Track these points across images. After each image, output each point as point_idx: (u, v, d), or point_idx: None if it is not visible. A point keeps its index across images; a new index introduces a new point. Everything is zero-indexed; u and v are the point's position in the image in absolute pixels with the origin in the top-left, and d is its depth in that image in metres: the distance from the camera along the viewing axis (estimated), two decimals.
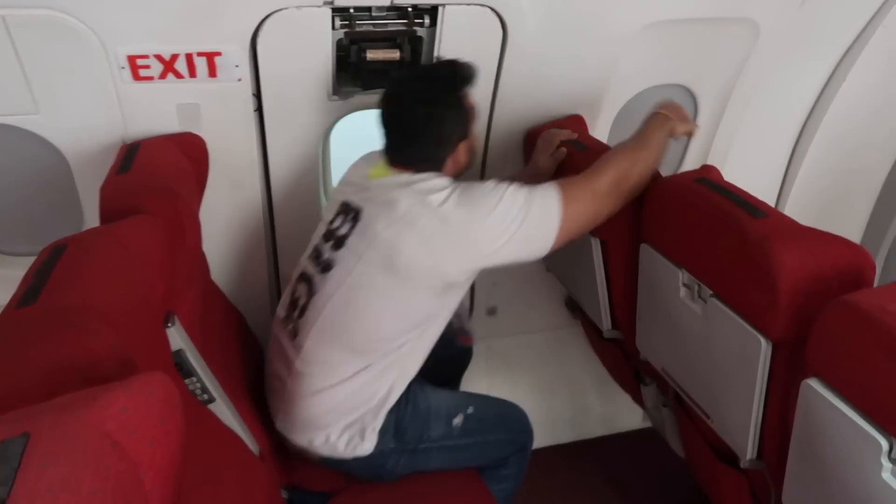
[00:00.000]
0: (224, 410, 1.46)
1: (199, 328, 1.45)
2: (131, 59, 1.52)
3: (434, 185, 1.39)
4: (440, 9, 1.60)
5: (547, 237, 1.39)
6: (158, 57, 1.53)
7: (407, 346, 1.50)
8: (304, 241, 1.60)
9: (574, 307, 2.25)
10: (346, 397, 1.50)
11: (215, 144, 1.70)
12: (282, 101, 1.66)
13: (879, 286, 1.02)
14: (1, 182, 1.69)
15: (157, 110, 1.61)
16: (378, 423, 1.53)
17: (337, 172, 2.06)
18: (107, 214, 1.31)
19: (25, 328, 0.89)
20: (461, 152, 1.47)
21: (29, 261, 1.06)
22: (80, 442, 0.65)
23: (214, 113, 1.64)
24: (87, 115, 1.58)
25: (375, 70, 1.68)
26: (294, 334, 1.53)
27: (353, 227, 1.45)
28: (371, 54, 1.64)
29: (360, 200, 1.47)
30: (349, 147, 2.06)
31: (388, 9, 1.60)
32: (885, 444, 0.95)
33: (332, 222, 1.52)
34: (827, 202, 2.39)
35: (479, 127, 1.55)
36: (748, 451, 1.33)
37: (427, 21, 1.63)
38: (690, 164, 2.20)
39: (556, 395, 2.48)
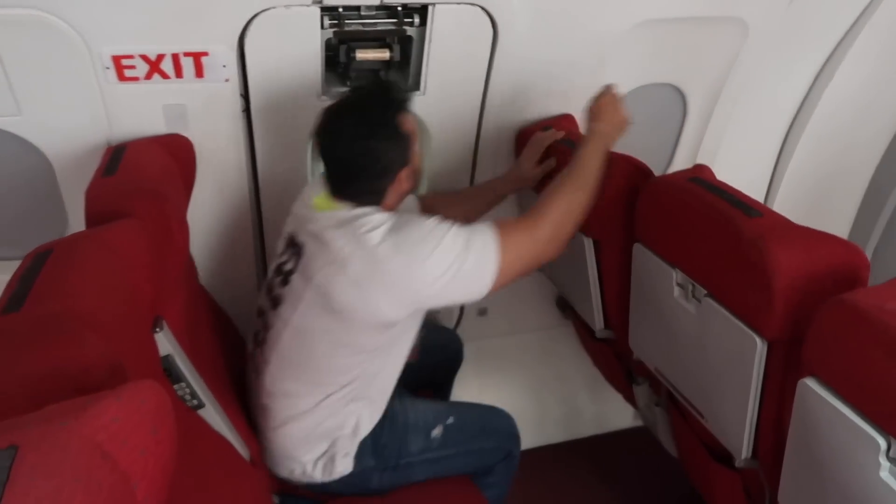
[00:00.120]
0: (214, 416, 1.44)
1: (187, 332, 1.43)
2: (116, 60, 1.49)
3: (371, 223, 1.33)
4: (430, 8, 1.58)
5: (483, 283, 1.34)
6: (144, 57, 1.50)
7: (367, 376, 1.47)
8: None
9: (565, 307, 2.25)
10: (313, 428, 1.50)
11: (203, 146, 1.67)
12: (270, 101, 1.63)
13: (876, 285, 1.02)
14: None
15: (143, 111, 1.58)
16: (352, 449, 1.53)
17: None
18: (92, 218, 1.29)
19: (10, 336, 0.86)
20: (403, 180, 1.41)
21: (12, 266, 1.04)
22: (71, 454, 0.63)
23: (201, 114, 1.62)
24: (71, 116, 1.56)
25: (366, 70, 1.66)
26: (256, 368, 1.54)
27: (296, 265, 1.43)
28: (360, 54, 1.63)
29: (303, 235, 1.43)
30: None
31: (378, 8, 1.59)
32: (882, 443, 0.95)
33: (281, 255, 1.50)
34: (814, 200, 2.41)
35: (437, 138, 1.53)
36: (743, 450, 1.33)
37: (417, 20, 1.61)
38: (679, 163, 2.21)
39: (547, 396, 2.47)
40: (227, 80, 1.58)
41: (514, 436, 1.74)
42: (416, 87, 1.73)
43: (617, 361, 1.94)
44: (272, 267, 1.53)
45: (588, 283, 1.74)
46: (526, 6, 1.63)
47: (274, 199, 1.83)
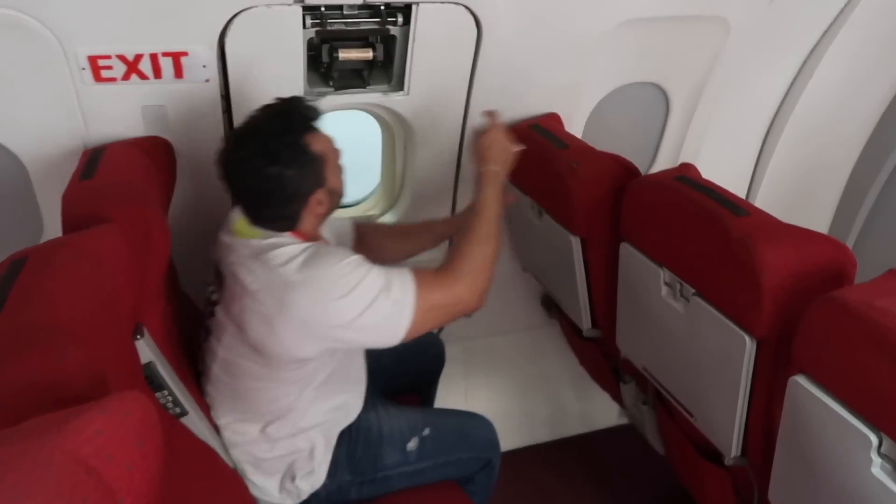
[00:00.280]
0: (197, 423, 1.41)
1: (168, 339, 1.40)
2: (92, 60, 1.45)
3: (285, 255, 1.29)
4: (414, 7, 1.57)
5: (397, 330, 1.29)
6: (121, 57, 1.47)
7: (303, 405, 1.45)
8: None
9: (550, 306, 2.25)
10: (263, 454, 1.48)
11: (183, 148, 1.64)
12: (251, 102, 1.60)
13: (865, 282, 1.02)
14: None
15: (121, 113, 1.55)
16: (314, 467, 1.51)
17: None
18: (70, 223, 1.26)
19: None
20: (317, 203, 1.36)
21: None
22: (54, 470, 0.61)
23: (181, 115, 1.58)
24: (46, 118, 1.52)
25: (348, 70, 1.64)
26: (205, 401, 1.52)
27: (220, 297, 1.40)
28: (343, 54, 1.60)
29: (223, 265, 1.40)
30: None
31: (361, 7, 1.57)
32: (874, 439, 0.96)
33: (210, 284, 1.47)
34: (795, 197, 2.44)
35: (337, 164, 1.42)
36: (733, 448, 1.33)
37: (400, 20, 1.60)
38: (662, 161, 2.22)
39: (533, 395, 2.47)
40: (207, 81, 1.55)
41: (492, 444, 1.72)
42: (400, 87, 1.71)
43: (604, 360, 1.94)
44: (205, 297, 1.49)
45: (575, 283, 1.74)
46: (510, 6, 1.63)
47: None
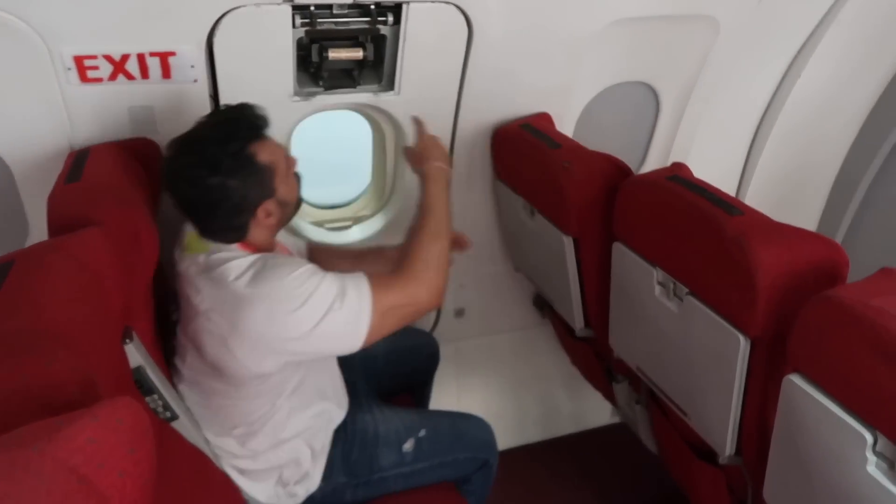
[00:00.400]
0: (188, 428, 1.40)
1: (157, 343, 1.39)
2: (78, 60, 1.43)
3: (235, 270, 1.26)
4: (404, 6, 1.56)
5: (356, 337, 1.27)
6: (108, 57, 1.45)
7: (279, 416, 1.43)
8: None
9: (542, 306, 2.25)
10: (248, 466, 1.47)
11: None
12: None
13: (858, 281, 1.02)
14: None
15: (108, 114, 1.53)
16: (302, 475, 1.50)
17: None
18: (56, 227, 1.24)
19: None
20: (265, 214, 1.32)
21: None
22: (45, 479, 0.60)
23: (169, 116, 1.56)
24: (31, 120, 1.49)
25: (338, 70, 1.63)
26: None
27: (178, 317, 1.38)
28: (333, 54, 1.59)
29: (179, 286, 1.37)
30: (312, 149, 2.02)
31: (350, 6, 1.56)
32: (869, 437, 0.96)
33: (171, 304, 1.44)
34: (783, 195, 2.45)
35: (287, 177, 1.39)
36: (727, 447, 1.33)
37: (391, 19, 1.59)
38: (653, 160, 2.22)
39: (525, 395, 2.47)
40: (195, 81, 1.53)
41: (489, 444, 1.71)
42: (391, 86, 1.70)
43: (597, 360, 1.94)
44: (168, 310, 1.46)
45: (568, 282, 1.74)
46: (501, 5, 1.62)
47: None
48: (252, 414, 1.41)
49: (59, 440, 0.63)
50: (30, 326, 0.88)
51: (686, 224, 1.29)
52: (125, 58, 1.46)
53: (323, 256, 1.72)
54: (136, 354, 1.23)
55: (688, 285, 1.32)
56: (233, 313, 1.23)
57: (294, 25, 1.53)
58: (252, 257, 1.29)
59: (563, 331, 2.07)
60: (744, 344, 1.20)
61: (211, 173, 1.25)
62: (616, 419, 2.48)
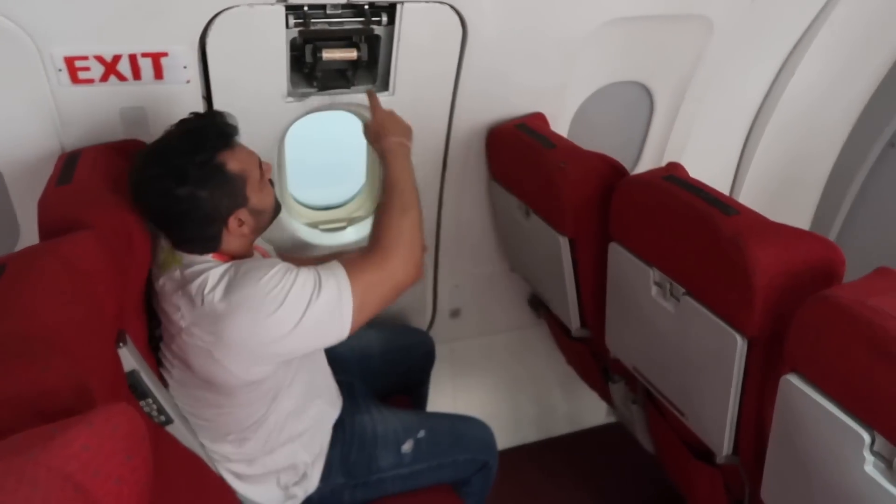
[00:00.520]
0: (183, 431, 1.39)
1: (151, 346, 1.38)
2: (69, 61, 1.42)
3: (209, 282, 1.24)
4: (398, 7, 1.55)
5: (342, 324, 1.26)
6: (99, 58, 1.43)
7: (277, 417, 1.42)
8: None
9: (538, 306, 2.25)
10: (245, 470, 1.46)
11: None
12: (234, 103, 1.57)
13: (855, 280, 1.02)
14: None
15: (99, 116, 1.51)
16: (299, 478, 1.50)
17: (294, 177, 2.00)
18: (47, 230, 1.23)
19: None
20: (238, 224, 1.30)
21: None
22: (40, 488, 0.60)
23: (162, 117, 1.55)
24: (21, 122, 1.47)
25: (332, 70, 1.62)
26: None
27: (161, 334, 1.36)
28: (327, 54, 1.58)
29: (158, 304, 1.35)
30: (306, 150, 2.01)
31: (344, 6, 1.55)
32: (867, 437, 0.96)
33: (153, 319, 1.41)
34: (777, 194, 2.46)
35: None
36: (724, 447, 1.33)
37: (385, 19, 1.58)
38: (647, 159, 2.22)
39: (521, 395, 2.47)
40: (188, 82, 1.52)
41: (489, 446, 1.71)
42: (385, 87, 1.70)
43: (593, 360, 1.94)
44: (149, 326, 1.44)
45: (564, 283, 1.74)
46: (495, 5, 1.62)
47: None
48: (245, 421, 1.40)
49: (54, 448, 0.62)
50: (22, 332, 0.87)
51: (682, 224, 1.29)
52: (117, 58, 1.44)
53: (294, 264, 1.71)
54: (129, 358, 1.22)
55: (684, 285, 1.32)
56: (213, 326, 1.22)
57: (287, 26, 1.52)
58: (224, 266, 1.27)
59: (559, 331, 2.07)
60: (741, 344, 1.20)
61: (179, 184, 1.23)
62: (612, 419, 2.48)
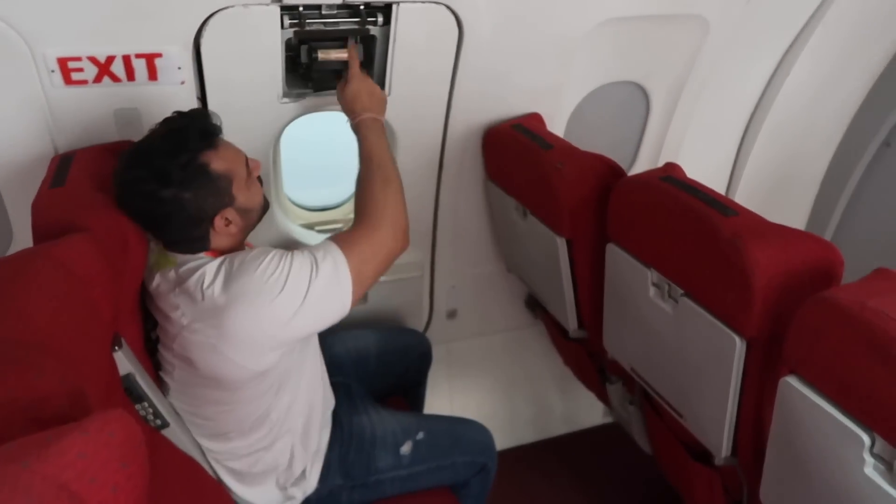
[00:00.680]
0: (179, 435, 1.38)
1: (146, 349, 1.37)
2: (62, 62, 1.40)
3: (205, 278, 1.24)
4: (394, 7, 1.54)
5: (343, 299, 1.27)
6: (92, 59, 1.42)
7: (278, 412, 1.42)
8: None
9: (534, 307, 2.25)
10: (246, 469, 1.46)
11: None
12: (229, 104, 1.57)
13: (856, 281, 1.02)
14: None
15: (93, 117, 1.50)
16: (295, 479, 1.49)
17: (289, 178, 1.99)
18: (40, 232, 1.21)
19: None
20: (224, 223, 1.30)
21: None
22: (34, 497, 0.59)
23: (156, 119, 1.51)
24: (13, 123, 1.46)
25: (327, 71, 1.61)
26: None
27: (157, 336, 1.36)
28: (322, 55, 1.57)
29: (154, 306, 1.34)
30: (301, 151, 2.00)
31: (339, 7, 1.54)
32: (867, 439, 0.96)
33: (145, 321, 1.41)
34: (773, 193, 2.46)
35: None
36: (723, 448, 1.33)
37: (380, 20, 1.57)
38: (643, 159, 2.22)
39: (517, 396, 2.47)
40: (182, 83, 1.51)
41: (488, 448, 1.71)
42: (381, 87, 1.68)
43: (590, 361, 1.94)
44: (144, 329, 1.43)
45: (561, 284, 1.73)
46: (491, 5, 1.61)
47: None
48: (249, 417, 1.40)
49: (49, 456, 0.61)
50: (16, 337, 0.86)
51: (680, 225, 1.29)
52: (110, 59, 1.43)
53: None
54: (125, 362, 1.21)
55: (682, 286, 1.31)
56: (216, 320, 1.21)
57: (282, 26, 1.51)
58: (218, 261, 1.27)
59: (556, 331, 2.07)
60: (739, 345, 1.20)
61: (162, 186, 1.22)
62: (608, 419, 2.48)
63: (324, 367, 1.60)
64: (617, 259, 1.50)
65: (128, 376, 1.23)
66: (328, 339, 1.74)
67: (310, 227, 2.04)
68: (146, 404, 1.30)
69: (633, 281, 1.45)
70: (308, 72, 1.61)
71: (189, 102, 1.55)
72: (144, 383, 1.27)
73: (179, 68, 1.49)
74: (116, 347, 1.18)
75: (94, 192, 1.30)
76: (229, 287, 1.21)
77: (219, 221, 1.29)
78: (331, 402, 1.60)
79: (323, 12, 1.54)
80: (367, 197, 1.37)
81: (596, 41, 1.83)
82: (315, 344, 1.53)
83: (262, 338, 1.25)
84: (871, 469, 0.96)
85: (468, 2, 1.58)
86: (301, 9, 1.50)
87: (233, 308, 1.20)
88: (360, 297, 1.29)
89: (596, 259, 1.59)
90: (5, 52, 1.36)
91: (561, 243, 1.67)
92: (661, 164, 1.56)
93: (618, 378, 1.84)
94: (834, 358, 0.99)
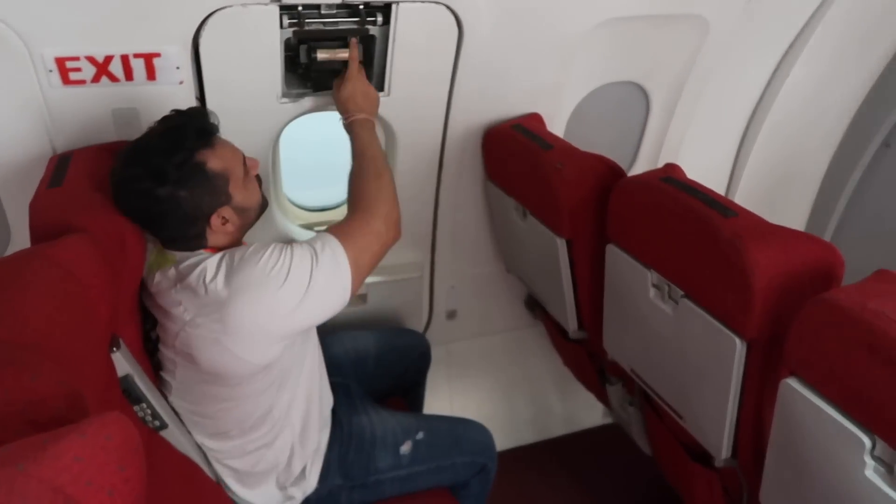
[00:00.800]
0: (178, 436, 1.38)
1: (145, 349, 1.36)
2: (60, 62, 1.40)
3: (207, 273, 1.24)
4: (394, 7, 1.54)
5: (343, 290, 1.28)
6: (90, 59, 1.41)
7: (279, 409, 1.42)
8: None
9: (534, 307, 2.24)
10: (249, 469, 1.45)
11: None
12: (228, 104, 1.56)
13: (856, 283, 1.02)
14: None
15: (91, 117, 1.49)
16: (293, 478, 1.49)
17: (288, 178, 1.99)
18: (38, 233, 1.21)
19: None
20: (221, 222, 1.30)
21: None
22: (30, 500, 0.58)
23: (154, 119, 1.51)
24: (11, 123, 1.46)
25: (327, 70, 1.60)
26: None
27: (157, 336, 1.36)
28: (322, 54, 1.56)
29: (155, 305, 1.34)
30: (301, 151, 2.00)
31: (339, 7, 1.54)
32: (867, 442, 0.95)
33: (144, 322, 1.40)
34: (772, 193, 2.46)
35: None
36: (723, 450, 1.33)
37: (380, 19, 1.56)
38: (643, 159, 2.22)
39: (517, 397, 2.47)
40: (181, 83, 1.51)
41: (488, 449, 1.71)
42: (380, 87, 1.68)
43: (590, 362, 1.93)
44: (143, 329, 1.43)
45: (561, 284, 1.73)
46: (491, 5, 1.60)
47: None
48: (251, 414, 1.40)
49: (45, 459, 0.61)
50: (13, 338, 0.86)
51: (680, 226, 1.28)
52: (108, 59, 1.42)
53: None
54: (123, 363, 1.21)
55: (682, 287, 1.31)
56: (219, 314, 1.22)
57: (282, 26, 1.50)
58: (218, 256, 1.28)
59: (556, 332, 2.06)
60: (740, 346, 1.19)
61: (158, 184, 1.23)
62: (608, 420, 2.48)
63: (322, 365, 1.60)
64: (617, 260, 1.50)
65: (126, 377, 1.23)
66: (327, 339, 1.74)
67: (309, 227, 2.04)
68: (144, 405, 1.30)
69: (633, 282, 1.44)
70: (307, 72, 1.60)
71: (188, 102, 1.55)
72: (143, 384, 1.27)
73: (178, 68, 1.48)
74: (114, 349, 1.18)
75: (92, 192, 1.30)
76: (232, 280, 1.22)
77: (215, 220, 1.30)
78: (328, 400, 1.60)
79: (322, 12, 1.53)
80: (359, 190, 1.39)
81: (596, 41, 1.82)
82: (314, 340, 1.53)
83: (265, 330, 1.25)
84: (871, 472, 0.96)
85: (468, 2, 1.58)
86: (300, 8, 1.50)
87: (236, 301, 1.21)
88: (358, 288, 1.31)
89: (596, 260, 1.59)
90: (3, 51, 1.35)
91: (561, 244, 1.67)
92: (661, 163, 1.56)
93: (617, 379, 1.84)
94: (834, 360, 0.98)
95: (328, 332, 1.82)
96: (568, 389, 2.40)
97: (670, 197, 1.31)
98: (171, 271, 1.29)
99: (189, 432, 1.41)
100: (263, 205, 1.42)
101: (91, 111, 1.49)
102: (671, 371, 1.44)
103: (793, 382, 1.06)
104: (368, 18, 1.56)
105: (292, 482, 1.49)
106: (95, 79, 1.44)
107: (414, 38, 1.61)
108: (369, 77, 1.68)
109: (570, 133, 2.04)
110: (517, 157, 1.74)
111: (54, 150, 1.51)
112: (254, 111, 1.62)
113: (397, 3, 1.53)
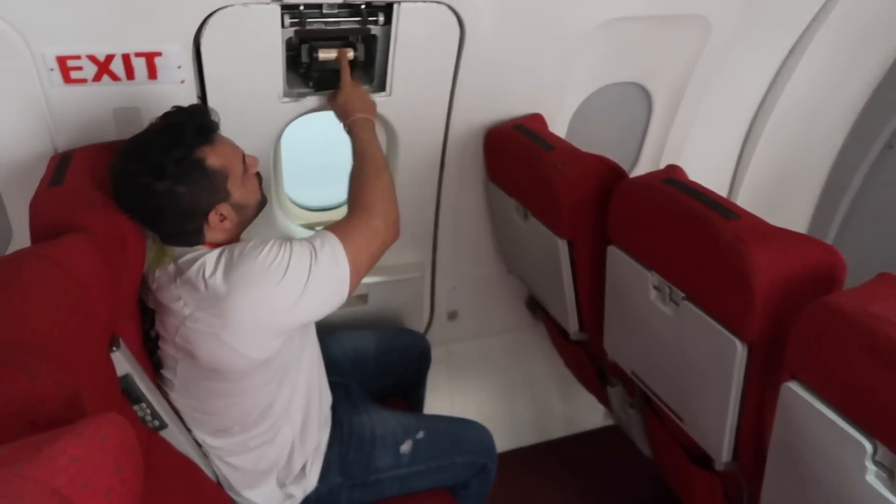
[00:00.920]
0: (177, 436, 1.38)
1: (144, 349, 1.36)
2: (61, 61, 1.40)
3: (206, 268, 1.24)
4: (395, 6, 1.53)
5: (342, 287, 1.29)
6: (92, 58, 1.41)
7: (280, 405, 1.42)
8: None
9: (535, 308, 2.24)
10: (252, 467, 1.45)
11: None
12: (229, 104, 1.56)
13: (858, 286, 1.01)
14: None
15: (92, 116, 1.49)
16: (293, 476, 1.49)
17: (289, 178, 1.99)
18: (39, 232, 1.21)
19: None
20: (219, 219, 1.31)
21: None
22: (26, 501, 0.58)
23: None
24: (12, 122, 1.46)
25: (328, 70, 1.60)
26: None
27: (157, 334, 1.35)
28: (323, 54, 1.57)
29: (155, 301, 1.33)
30: (302, 151, 2.00)
31: (340, 6, 1.53)
32: (868, 446, 0.95)
33: (143, 320, 1.40)
34: (775, 195, 2.45)
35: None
36: (724, 453, 1.32)
37: (381, 19, 1.56)
38: (645, 160, 2.21)
39: (518, 398, 2.46)
40: (182, 82, 1.50)
41: (488, 449, 1.71)
42: (382, 87, 1.68)
43: (590, 363, 1.93)
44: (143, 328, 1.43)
45: (562, 285, 1.72)
46: (493, 5, 1.60)
47: None
48: (252, 410, 1.40)
49: (41, 460, 0.61)
50: (12, 338, 0.86)
51: (682, 228, 1.28)
52: (110, 58, 1.42)
53: None
54: (123, 363, 1.20)
55: (683, 290, 1.31)
56: (218, 309, 1.22)
57: (283, 25, 1.50)
58: (217, 251, 1.28)
59: (557, 333, 2.06)
60: (741, 349, 1.19)
61: (156, 180, 1.24)
62: (609, 422, 2.48)
63: (321, 362, 1.60)
64: (618, 261, 1.49)
65: (126, 377, 1.23)
66: (326, 339, 1.74)
67: (310, 227, 2.04)
68: (144, 405, 1.29)
69: (634, 283, 1.44)
70: (309, 71, 1.61)
71: (189, 102, 1.53)
72: (143, 384, 1.27)
73: (179, 67, 1.48)
74: (114, 348, 1.18)
75: (93, 191, 1.30)
76: (231, 275, 1.22)
77: (213, 216, 1.30)
78: (328, 397, 1.60)
79: (324, 11, 1.53)
80: (359, 189, 1.40)
81: (598, 41, 1.82)
82: (313, 335, 1.53)
83: (263, 324, 1.25)
84: (872, 477, 0.96)
85: (469, 2, 1.58)
86: (302, 8, 1.50)
87: (235, 295, 1.21)
88: (357, 285, 1.32)
89: (597, 261, 1.59)
90: (4, 50, 1.35)
91: (562, 245, 1.66)
92: (663, 164, 1.55)
93: (618, 380, 1.84)
94: (836, 363, 0.98)
95: (328, 332, 1.82)
96: (568, 391, 2.39)
97: (672, 198, 1.31)
98: (171, 266, 1.30)
99: (189, 431, 1.40)
100: (262, 202, 1.43)
101: (92, 110, 1.49)
102: (672, 373, 1.43)
103: (794, 386, 1.05)
104: (370, 18, 1.56)
105: (292, 480, 1.49)
106: (97, 78, 1.44)
107: (415, 37, 1.60)
108: (371, 77, 1.68)
109: (573, 133, 2.04)
110: (518, 157, 1.74)
111: (55, 148, 1.51)
112: (255, 111, 1.62)
113: (399, 2, 1.53)
